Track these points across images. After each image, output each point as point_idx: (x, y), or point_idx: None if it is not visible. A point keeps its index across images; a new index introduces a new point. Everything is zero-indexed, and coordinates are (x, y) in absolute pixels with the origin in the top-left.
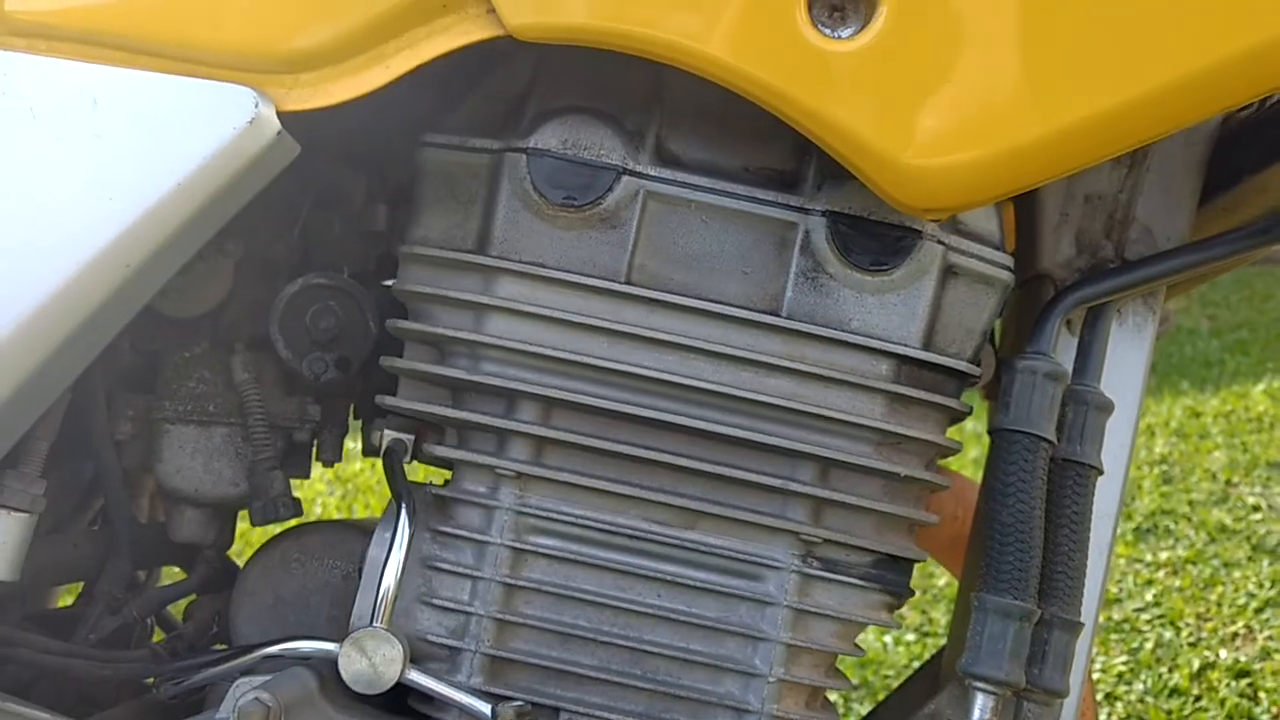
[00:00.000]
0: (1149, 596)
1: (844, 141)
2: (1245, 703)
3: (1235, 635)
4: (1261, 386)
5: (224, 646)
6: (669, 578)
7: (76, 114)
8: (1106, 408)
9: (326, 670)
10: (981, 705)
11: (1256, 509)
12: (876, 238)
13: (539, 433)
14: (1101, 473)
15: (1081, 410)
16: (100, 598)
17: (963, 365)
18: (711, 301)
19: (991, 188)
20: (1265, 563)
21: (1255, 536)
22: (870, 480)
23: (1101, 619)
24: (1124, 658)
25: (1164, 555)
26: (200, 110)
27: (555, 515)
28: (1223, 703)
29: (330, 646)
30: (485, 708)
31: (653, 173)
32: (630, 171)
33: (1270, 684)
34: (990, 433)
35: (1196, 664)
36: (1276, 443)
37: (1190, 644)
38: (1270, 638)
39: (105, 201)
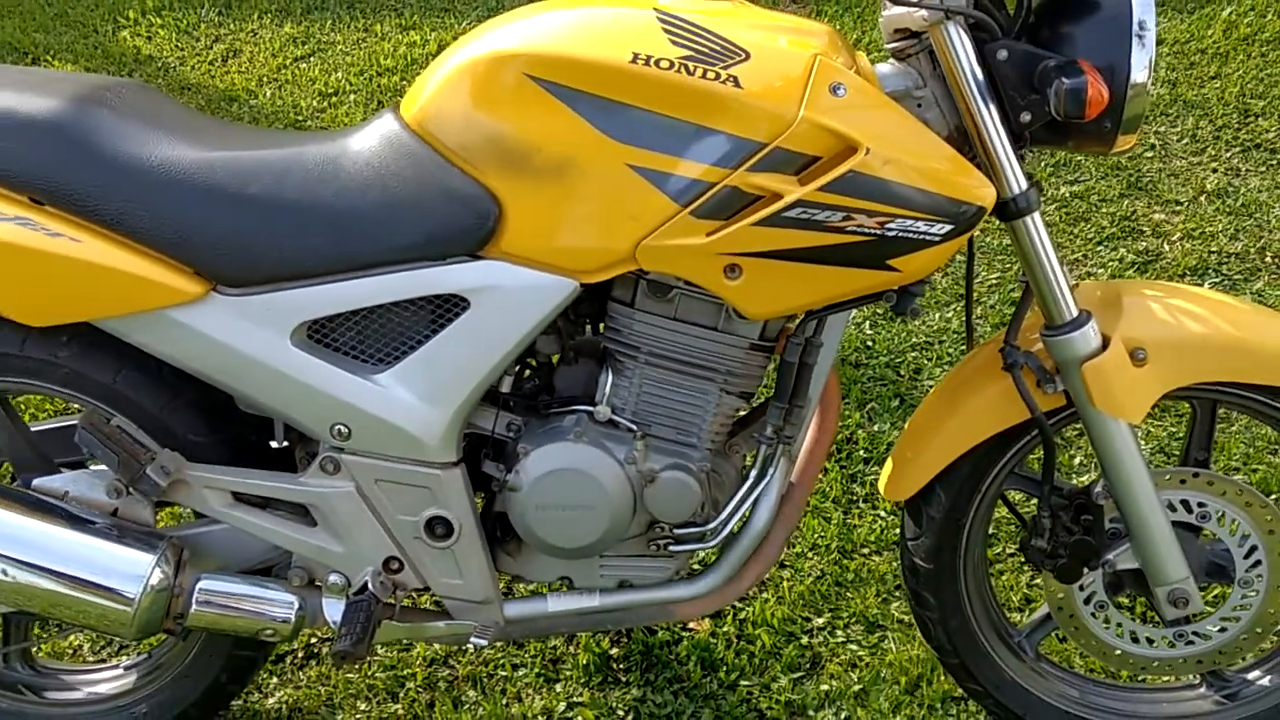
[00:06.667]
0: None
1: None
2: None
3: (1068, 263)
4: (1226, 11)
5: None
6: None
7: None
8: None
9: None
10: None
11: (1151, 148)
12: None
13: None
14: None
15: None
16: None
17: None
18: None
19: None
20: (1127, 201)
21: (1135, 175)
22: None
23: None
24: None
25: (1063, 190)
26: None
27: None
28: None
29: None
30: None
31: None
32: None
33: None
34: None
35: (1018, 292)
36: (1189, 80)
37: None
38: (1097, 267)
39: None
